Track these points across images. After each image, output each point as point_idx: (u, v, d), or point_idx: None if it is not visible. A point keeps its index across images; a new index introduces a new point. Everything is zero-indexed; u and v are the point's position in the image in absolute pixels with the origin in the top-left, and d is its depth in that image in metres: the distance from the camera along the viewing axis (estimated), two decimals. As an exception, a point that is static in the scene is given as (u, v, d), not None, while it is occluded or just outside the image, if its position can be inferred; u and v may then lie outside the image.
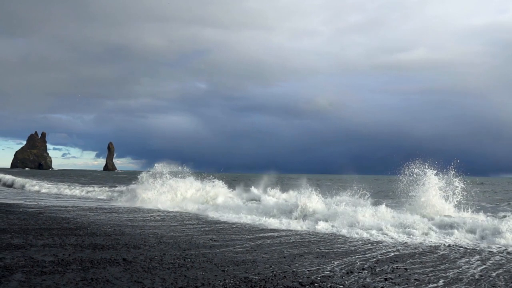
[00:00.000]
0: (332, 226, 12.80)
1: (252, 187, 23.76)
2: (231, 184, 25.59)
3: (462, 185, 15.58)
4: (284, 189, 23.26)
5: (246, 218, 14.79)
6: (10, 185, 40.01)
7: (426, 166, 15.93)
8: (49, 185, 34.78)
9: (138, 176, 23.92)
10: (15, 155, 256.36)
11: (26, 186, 35.21)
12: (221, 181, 22.83)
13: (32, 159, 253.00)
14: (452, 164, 15.59)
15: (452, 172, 15.70)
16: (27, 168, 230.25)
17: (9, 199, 22.95)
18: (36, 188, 34.16)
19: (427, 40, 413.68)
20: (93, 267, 7.02)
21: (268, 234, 11.75)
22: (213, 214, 16.40)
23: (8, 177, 42.81)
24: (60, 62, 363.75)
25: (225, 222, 14.26)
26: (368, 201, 17.04)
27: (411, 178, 16.13)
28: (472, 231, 11.33)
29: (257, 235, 11.54)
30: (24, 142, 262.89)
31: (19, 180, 38.04)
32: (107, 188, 32.86)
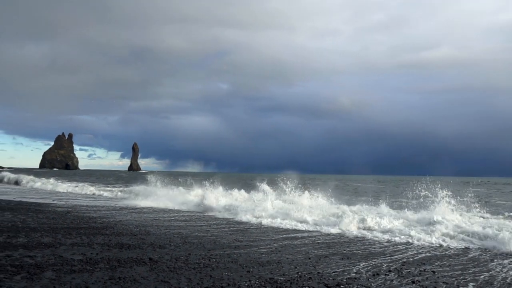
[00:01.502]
0: (358, 228, 12.67)
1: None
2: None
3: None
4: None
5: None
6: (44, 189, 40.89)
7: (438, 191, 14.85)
8: (92, 188, 34.93)
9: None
10: (43, 155, 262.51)
11: (58, 188, 35.53)
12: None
13: (59, 160, 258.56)
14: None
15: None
16: (55, 169, 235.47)
17: (39, 198, 23.50)
18: (69, 189, 34.60)
19: (451, 38, 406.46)
20: (120, 266, 7.12)
21: (292, 235, 11.71)
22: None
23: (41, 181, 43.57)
24: (86, 64, 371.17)
25: (247, 223, 14.28)
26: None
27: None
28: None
29: (281, 235, 11.51)
30: (52, 143, 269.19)
31: (56, 183, 38.09)
32: (121, 188, 33.29)
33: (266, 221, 14.30)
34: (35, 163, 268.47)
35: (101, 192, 30.63)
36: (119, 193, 29.08)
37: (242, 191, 22.89)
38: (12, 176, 47.57)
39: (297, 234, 11.81)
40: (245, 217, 15.17)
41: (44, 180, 42.56)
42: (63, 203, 20.40)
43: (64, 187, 35.75)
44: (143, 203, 21.04)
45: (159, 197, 22.38)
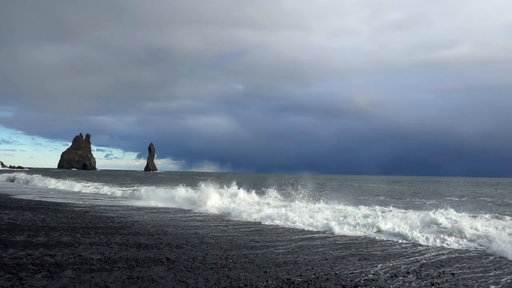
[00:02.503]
0: (373, 227, 12.55)
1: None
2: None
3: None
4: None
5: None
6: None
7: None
8: (106, 188, 35.14)
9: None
10: (61, 156, 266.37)
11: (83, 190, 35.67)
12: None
13: (77, 160, 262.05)
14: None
15: None
16: (73, 169, 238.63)
17: (58, 198, 23.83)
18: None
19: (471, 36, 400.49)
20: (138, 265, 7.18)
21: (309, 235, 11.67)
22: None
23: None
24: (104, 66, 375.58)
25: (262, 223, 14.27)
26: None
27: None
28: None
29: (297, 236, 11.49)
30: (70, 144, 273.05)
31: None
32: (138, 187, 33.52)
33: (280, 222, 14.25)
34: (53, 163, 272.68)
35: (117, 192, 30.75)
36: (135, 193, 29.17)
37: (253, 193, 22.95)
38: (25, 176, 48.23)
39: (314, 235, 11.77)
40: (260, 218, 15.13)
41: (53, 180, 43.16)
42: (81, 202, 20.67)
43: (79, 186, 36.11)
44: (159, 203, 21.18)
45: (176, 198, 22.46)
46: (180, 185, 25.32)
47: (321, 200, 19.69)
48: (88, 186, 37.03)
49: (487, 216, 14.50)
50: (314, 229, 12.87)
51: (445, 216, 13.96)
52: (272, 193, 22.42)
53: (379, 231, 12.25)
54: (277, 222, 14.29)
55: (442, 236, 11.16)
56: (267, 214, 15.42)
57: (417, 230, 11.80)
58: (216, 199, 19.75)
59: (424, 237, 11.08)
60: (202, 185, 21.80)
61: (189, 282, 6.26)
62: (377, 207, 17.90)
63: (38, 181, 43.18)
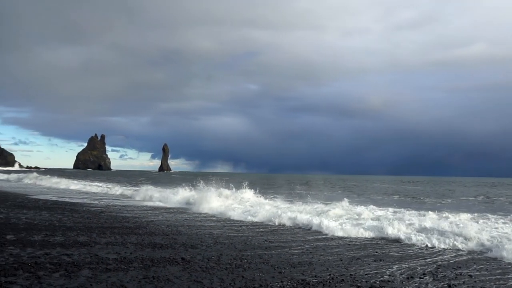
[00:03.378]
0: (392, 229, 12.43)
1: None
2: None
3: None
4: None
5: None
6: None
7: None
8: (118, 188, 35.39)
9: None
10: (77, 156, 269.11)
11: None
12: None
13: (92, 161, 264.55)
14: None
15: None
16: (89, 169, 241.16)
17: (75, 198, 24.11)
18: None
19: (485, 35, 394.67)
20: (153, 265, 7.24)
21: (323, 236, 11.62)
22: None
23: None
24: (118, 67, 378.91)
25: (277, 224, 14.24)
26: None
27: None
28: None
29: (312, 237, 11.45)
30: (85, 144, 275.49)
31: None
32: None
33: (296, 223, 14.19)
34: (69, 163, 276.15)
35: (126, 192, 30.74)
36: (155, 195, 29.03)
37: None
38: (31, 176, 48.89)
39: (329, 236, 11.71)
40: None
41: (64, 180, 43.64)
42: (97, 202, 20.88)
43: (92, 186, 36.47)
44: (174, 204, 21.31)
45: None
46: (186, 185, 25.49)
47: (335, 201, 19.61)
48: (100, 186, 37.41)
49: (504, 219, 14.29)
50: (328, 231, 12.71)
51: (461, 217, 13.81)
52: (284, 193, 22.39)
53: (393, 232, 12.12)
54: (289, 223, 14.16)
55: (458, 237, 11.02)
56: (278, 215, 15.38)
57: (433, 231, 11.67)
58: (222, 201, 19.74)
59: (441, 239, 10.95)
60: (210, 188, 21.76)
61: (204, 282, 6.29)
62: (391, 208, 17.76)
63: (47, 181, 43.71)
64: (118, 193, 30.44)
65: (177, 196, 22.85)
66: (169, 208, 19.23)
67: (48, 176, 50.03)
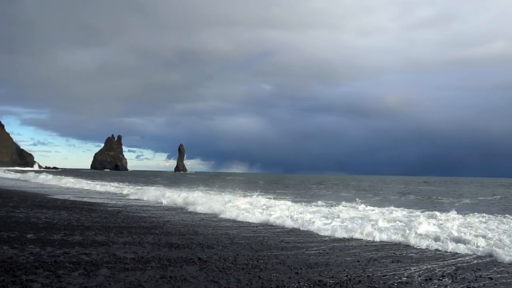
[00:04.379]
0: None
1: None
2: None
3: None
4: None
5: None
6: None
7: None
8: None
9: None
10: (94, 157, 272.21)
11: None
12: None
13: (109, 161, 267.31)
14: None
15: None
16: (106, 169, 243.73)
17: (92, 198, 24.40)
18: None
19: (504, 33, 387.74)
20: (170, 265, 7.28)
21: (340, 237, 11.55)
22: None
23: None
24: (134, 68, 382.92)
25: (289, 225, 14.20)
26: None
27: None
28: None
29: (328, 237, 11.39)
30: (102, 145, 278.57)
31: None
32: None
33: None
34: (86, 164, 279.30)
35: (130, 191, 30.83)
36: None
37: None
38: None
39: (345, 237, 11.63)
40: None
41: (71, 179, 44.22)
42: (114, 202, 21.09)
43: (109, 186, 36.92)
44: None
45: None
46: (200, 187, 25.55)
47: (350, 201, 19.49)
48: (112, 185, 37.83)
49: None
50: (345, 233, 12.55)
51: (481, 219, 13.61)
52: (299, 193, 22.30)
53: (412, 233, 11.98)
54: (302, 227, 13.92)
55: (477, 239, 10.84)
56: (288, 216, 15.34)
57: (452, 233, 11.52)
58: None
59: (460, 240, 10.79)
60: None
61: (221, 282, 6.30)
62: (406, 209, 17.59)
63: (55, 181, 44.59)
64: (124, 192, 30.26)
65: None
66: (183, 208, 19.29)
67: (58, 176, 50.93)
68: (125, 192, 29.79)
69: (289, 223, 13.73)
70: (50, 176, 49.29)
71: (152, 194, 24.88)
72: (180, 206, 20.20)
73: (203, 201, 19.53)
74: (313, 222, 13.48)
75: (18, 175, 59.92)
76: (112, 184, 40.61)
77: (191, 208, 18.62)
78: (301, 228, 13.00)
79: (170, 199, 22.36)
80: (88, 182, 41.82)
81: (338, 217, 14.88)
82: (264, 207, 18.35)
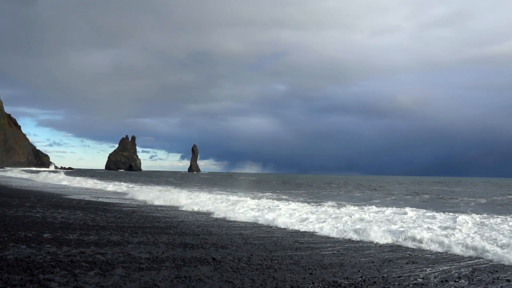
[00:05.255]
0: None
1: None
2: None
3: None
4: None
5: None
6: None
7: None
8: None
9: None
10: (108, 157, 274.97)
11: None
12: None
13: (123, 161, 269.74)
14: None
15: None
16: (120, 170, 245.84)
17: (107, 198, 24.64)
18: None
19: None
20: (185, 265, 7.31)
21: (354, 237, 11.47)
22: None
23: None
24: (147, 69, 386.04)
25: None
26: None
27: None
28: None
29: (342, 238, 11.33)
30: (116, 145, 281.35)
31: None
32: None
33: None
34: (101, 164, 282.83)
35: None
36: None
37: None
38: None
39: (358, 239, 11.54)
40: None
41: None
42: (128, 202, 21.26)
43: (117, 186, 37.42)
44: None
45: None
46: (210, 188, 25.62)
47: (363, 201, 19.36)
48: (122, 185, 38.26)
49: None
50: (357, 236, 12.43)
51: (497, 220, 13.40)
52: (314, 193, 22.20)
53: (427, 234, 11.86)
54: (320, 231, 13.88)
55: (493, 240, 10.70)
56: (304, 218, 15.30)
57: (470, 234, 11.38)
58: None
59: (476, 242, 10.65)
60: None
61: (235, 283, 6.31)
62: (422, 210, 17.42)
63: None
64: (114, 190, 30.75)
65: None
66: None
67: (61, 175, 51.97)
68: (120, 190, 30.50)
69: (297, 226, 13.59)
70: (51, 175, 51.21)
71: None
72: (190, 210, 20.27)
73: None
74: (322, 226, 13.42)
75: (27, 175, 61.41)
76: (114, 183, 40.95)
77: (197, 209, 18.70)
78: (309, 231, 12.91)
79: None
80: (88, 181, 42.68)
81: (350, 217, 14.72)
82: (269, 208, 18.32)
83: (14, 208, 15.14)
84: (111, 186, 36.08)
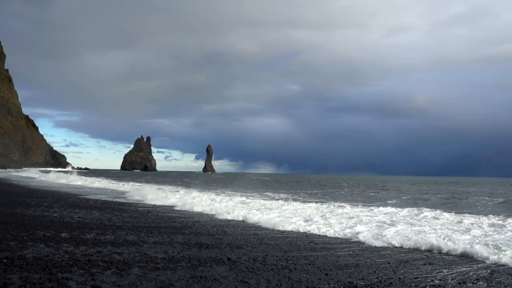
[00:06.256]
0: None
1: None
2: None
3: None
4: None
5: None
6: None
7: None
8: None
9: None
10: (124, 157, 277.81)
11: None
12: None
13: (139, 162, 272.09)
14: None
15: None
16: (136, 170, 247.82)
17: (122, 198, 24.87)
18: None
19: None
20: (200, 265, 7.35)
21: (369, 244, 11.38)
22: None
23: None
24: (162, 70, 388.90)
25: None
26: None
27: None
28: None
29: (358, 239, 11.25)
30: (132, 146, 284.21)
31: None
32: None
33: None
34: (117, 164, 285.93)
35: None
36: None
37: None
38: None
39: (376, 245, 11.45)
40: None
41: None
42: (144, 202, 21.43)
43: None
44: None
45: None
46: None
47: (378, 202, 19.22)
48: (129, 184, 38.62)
49: None
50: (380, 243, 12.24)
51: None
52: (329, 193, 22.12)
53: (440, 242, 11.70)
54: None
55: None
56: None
57: (487, 235, 11.22)
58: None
59: (494, 243, 10.48)
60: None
61: (251, 283, 6.32)
62: (438, 210, 17.22)
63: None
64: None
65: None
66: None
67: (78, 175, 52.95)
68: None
69: (311, 227, 13.48)
70: (54, 175, 52.41)
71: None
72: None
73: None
74: (336, 226, 13.32)
75: (37, 174, 62.97)
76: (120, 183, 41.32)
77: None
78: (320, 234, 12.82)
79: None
80: (103, 181, 43.43)
81: (361, 221, 14.38)
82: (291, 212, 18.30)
83: (33, 208, 15.39)
84: (128, 187, 36.43)
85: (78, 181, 44.34)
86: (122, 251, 8.23)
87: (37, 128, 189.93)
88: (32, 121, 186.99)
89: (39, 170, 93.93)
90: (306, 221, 13.92)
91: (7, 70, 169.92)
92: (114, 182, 42.42)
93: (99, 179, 49.57)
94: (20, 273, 6.13)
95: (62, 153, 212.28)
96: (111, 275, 6.38)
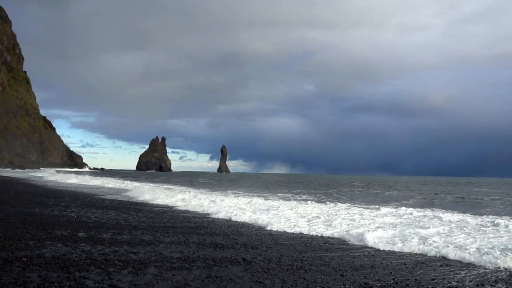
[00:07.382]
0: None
1: None
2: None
3: None
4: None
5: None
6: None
7: None
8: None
9: None
10: (139, 158, 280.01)
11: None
12: None
13: (154, 162, 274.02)
14: None
15: None
16: (151, 170, 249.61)
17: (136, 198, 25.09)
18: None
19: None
20: (215, 265, 7.37)
21: (381, 249, 11.28)
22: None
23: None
24: (176, 71, 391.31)
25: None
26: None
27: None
28: None
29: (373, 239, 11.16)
30: (147, 146, 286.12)
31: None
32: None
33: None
34: (132, 165, 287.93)
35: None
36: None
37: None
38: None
39: (389, 249, 11.36)
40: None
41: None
42: (159, 202, 21.57)
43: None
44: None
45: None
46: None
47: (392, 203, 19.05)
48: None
49: None
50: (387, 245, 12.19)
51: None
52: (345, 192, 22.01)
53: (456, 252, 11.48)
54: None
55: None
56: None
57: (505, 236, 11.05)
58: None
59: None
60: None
61: (266, 283, 6.33)
62: (455, 213, 17.00)
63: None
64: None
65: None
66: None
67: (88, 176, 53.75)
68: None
69: (326, 227, 13.43)
70: (59, 176, 53.55)
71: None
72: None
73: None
74: (352, 227, 13.25)
75: (45, 174, 64.20)
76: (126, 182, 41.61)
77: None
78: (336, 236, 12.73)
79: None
80: (117, 181, 43.74)
81: (373, 222, 14.25)
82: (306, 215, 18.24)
83: (50, 207, 15.61)
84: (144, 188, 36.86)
85: (91, 181, 45.04)
86: (138, 250, 8.31)
87: (54, 129, 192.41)
88: (50, 122, 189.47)
89: (56, 171, 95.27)
90: (322, 222, 13.87)
91: (25, 72, 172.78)
92: (127, 182, 42.91)
93: (112, 179, 50.30)
94: (39, 272, 6.23)
95: (79, 154, 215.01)
96: (128, 274, 6.44)
